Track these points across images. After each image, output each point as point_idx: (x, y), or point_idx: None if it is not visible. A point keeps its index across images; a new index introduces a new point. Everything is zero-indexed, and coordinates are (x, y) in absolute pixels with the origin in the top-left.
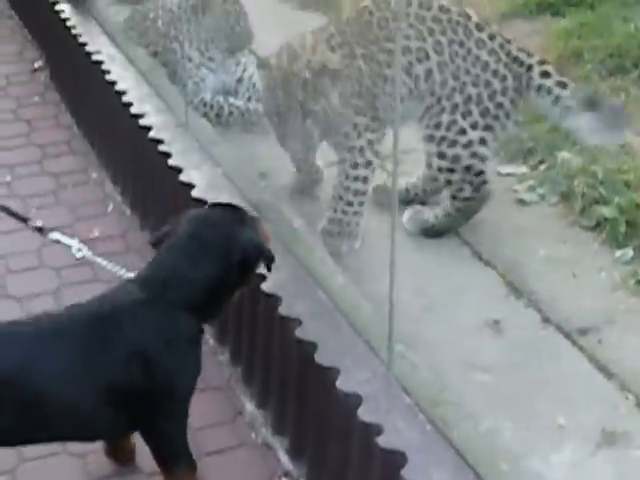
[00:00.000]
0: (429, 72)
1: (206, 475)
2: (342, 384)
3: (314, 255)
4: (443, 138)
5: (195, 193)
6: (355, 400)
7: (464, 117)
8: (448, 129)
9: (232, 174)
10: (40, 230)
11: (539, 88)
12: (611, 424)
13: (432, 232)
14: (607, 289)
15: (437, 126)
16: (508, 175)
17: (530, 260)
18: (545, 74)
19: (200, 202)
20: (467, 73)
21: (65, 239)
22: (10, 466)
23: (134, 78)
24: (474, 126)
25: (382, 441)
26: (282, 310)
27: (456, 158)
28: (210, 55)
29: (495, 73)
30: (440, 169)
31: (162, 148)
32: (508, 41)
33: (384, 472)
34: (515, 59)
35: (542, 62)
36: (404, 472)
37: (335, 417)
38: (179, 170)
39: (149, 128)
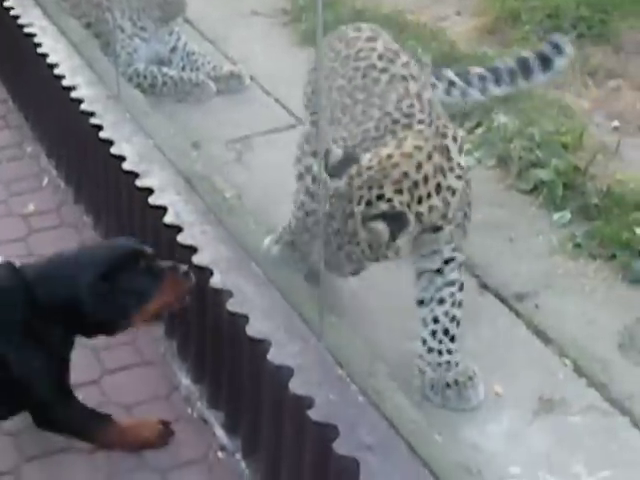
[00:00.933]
0: None
1: (144, 452)
2: (274, 356)
3: (247, 227)
4: None
5: (126, 166)
6: (287, 372)
7: None
8: None
9: (164, 146)
10: None
11: None
12: (549, 391)
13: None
14: (545, 253)
15: None
16: None
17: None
18: None
19: (131, 174)
20: None
21: None
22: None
23: (66, 50)
24: None
25: (313, 414)
26: (214, 283)
27: None
28: (143, 25)
29: None
30: None
31: (93, 121)
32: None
33: (316, 445)
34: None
35: None
36: (335, 445)
37: (267, 390)
38: (110, 142)
39: (81, 101)
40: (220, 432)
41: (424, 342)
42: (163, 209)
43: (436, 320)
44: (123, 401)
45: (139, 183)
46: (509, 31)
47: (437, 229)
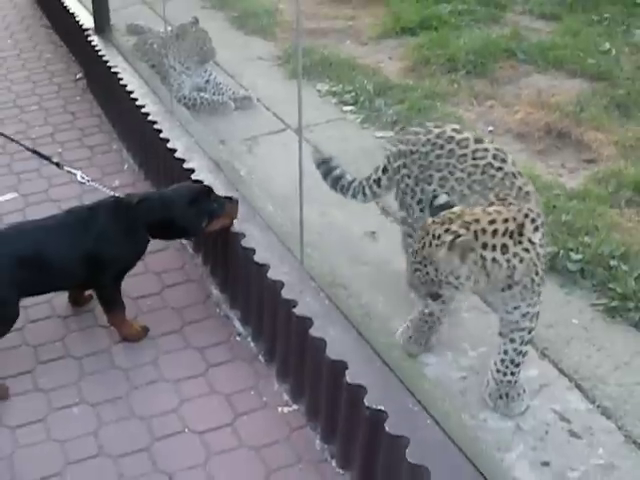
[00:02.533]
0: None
1: (188, 337)
2: (272, 274)
3: (254, 193)
4: None
5: (177, 154)
6: (279, 284)
7: None
8: None
9: (201, 142)
10: (58, 165)
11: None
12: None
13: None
14: None
15: None
16: (381, 138)
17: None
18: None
19: (180, 160)
20: None
21: (74, 170)
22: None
23: (138, 82)
24: None
25: (297, 310)
26: (234, 228)
27: None
28: (187, 65)
29: None
30: None
31: (156, 127)
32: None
33: (299, 331)
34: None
35: None
36: (312, 330)
37: (267, 297)
38: (167, 140)
39: (148, 114)
40: (238, 324)
41: (495, 363)
42: (201, 182)
43: (506, 352)
44: (177, 305)
45: (185, 165)
46: (423, 69)
47: (507, 287)
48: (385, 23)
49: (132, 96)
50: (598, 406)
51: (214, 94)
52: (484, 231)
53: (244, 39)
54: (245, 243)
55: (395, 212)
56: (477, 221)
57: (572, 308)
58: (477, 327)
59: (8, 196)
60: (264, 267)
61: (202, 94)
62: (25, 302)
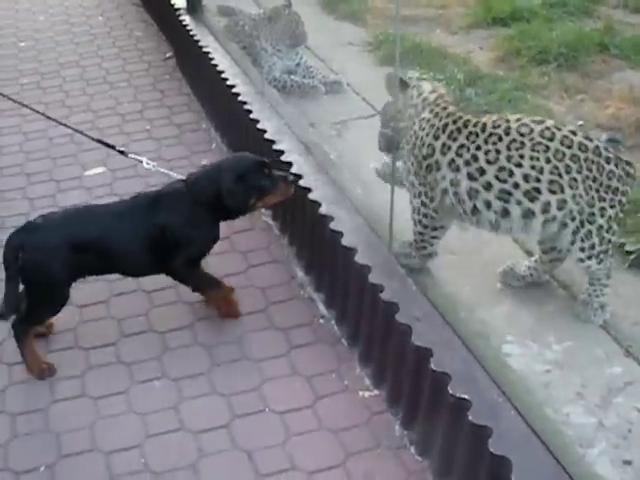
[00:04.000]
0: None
1: (271, 317)
2: (359, 258)
3: (343, 176)
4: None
5: (267, 135)
6: (366, 269)
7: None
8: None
9: (291, 124)
10: (123, 152)
11: None
12: (533, 283)
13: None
14: None
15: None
16: None
17: None
18: None
19: (270, 141)
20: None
21: (138, 157)
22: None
23: (229, 62)
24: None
25: (383, 295)
26: (322, 211)
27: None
28: (279, 48)
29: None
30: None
31: (247, 107)
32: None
33: (385, 316)
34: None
35: None
36: (397, 316)
37: (353, 280)
38: (257, 121)
39: (239, 94)
40: (322, 306)
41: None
42: (290, 164)
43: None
44: (262, 285)
45: (275, 147)
46: (514, 61)
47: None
48: (476, 13)
49: (223, 76)
50: None
51: (304, 77)
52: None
53: (335, 24)
54: (333, 226)
55: None
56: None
57: None
58: (564, 321)
59: (96, 170)
60: (352, 251)
61: (293, 77)
62: (110, 276)
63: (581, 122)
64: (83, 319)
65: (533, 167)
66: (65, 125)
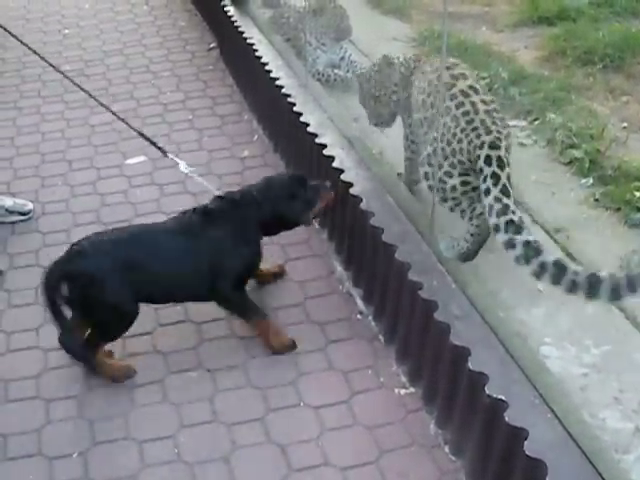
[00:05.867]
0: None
1: (309, 311)
2: (399, 255)
3: (385, 172)
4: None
5: (310, 129)
6: (406, 266)
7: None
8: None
9: (334, 118)
10: (163, 150)
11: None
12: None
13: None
14: (575, 204)
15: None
16: (514, 127)
17: (525, 183)
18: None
19: (313, 135)
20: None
21: (177, 159)
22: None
23: (273, 54)
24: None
25: (422, 293)
26: (363, 206)
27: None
28: (323, 42)
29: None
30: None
31: (290, 100)
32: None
33: (423, 314)
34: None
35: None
36: (436, 314)
37: (392, 277)
38: (300, 114)
39: (282, 86)
40: (359, 302)
41: None
42: (332, 157)
43: None
44: (300, 279)
45: (318, 140)
46: (559, 60)
47: None
48: (522, 11)
49: (266, 68)
50: None
51: (348, 71)
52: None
53: (379, 19)
54: (374, 222)
55: (524, 204)
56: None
57: None
58: (602, 324)
59: (137, 159)
60: (392, 247)
61: (336, 71)
62: None
63: (625, 124)
64: None
65: None
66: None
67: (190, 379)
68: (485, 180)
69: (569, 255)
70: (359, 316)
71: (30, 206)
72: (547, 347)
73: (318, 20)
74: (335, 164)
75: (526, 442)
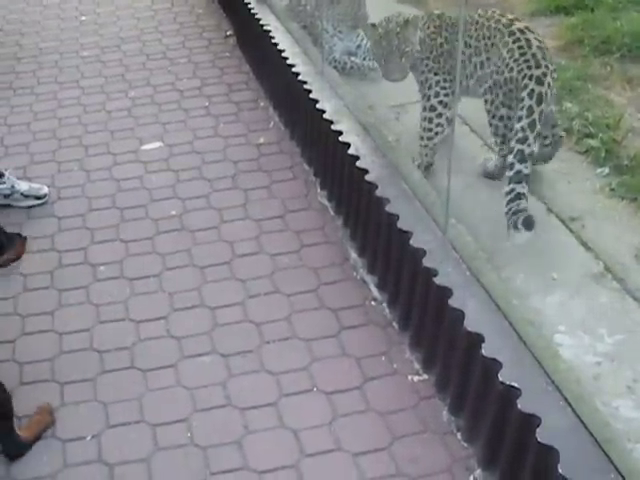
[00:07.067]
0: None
1: (323, 297)
2: (414, 242)
3: (401, 159)
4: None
5: (326, 116)
6: (421, 252)
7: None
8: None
9: (350, 105)
10: None
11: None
12: (587, 280)
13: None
14: (590, 193)
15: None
16: None
17: (543, 171)
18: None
19: (329, 121)
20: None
21: None
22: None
23: (290, 42)
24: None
25: (437, 280)
26: (378, 193)
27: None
28: (340, 29)
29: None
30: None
31: (306, 87)
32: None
33: (438, 300)
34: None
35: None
36: (451, 301)
37: (407, 264)
38: (316, 101)
39: (298, 73)
40: (374, 289)
41: None
42: (348, 144)
43: None
44: (314, 265)
45: (334, 127)
46: (576, 50)
47: None
48: (539, 0)
49: (283, 55)
50: None
51: (364, 59)
52: None
53: (395, 6)
54: (389, 209)
55: (540, 191)
56: None
57: None
58: (616, 313)
59: (153, 145)
60: (407, 234)
61: (353, 58)
62: (161, 250)
63: None
64: (134, 293)
65: None
66: None
67: (204, 364)
68: (522, 109)
69: (584, 243)
70: (373, 302)
71: (45, 190)
72: (561, 335)
73: (335, 8)
74: (351, 151)
75: (538, 429)
